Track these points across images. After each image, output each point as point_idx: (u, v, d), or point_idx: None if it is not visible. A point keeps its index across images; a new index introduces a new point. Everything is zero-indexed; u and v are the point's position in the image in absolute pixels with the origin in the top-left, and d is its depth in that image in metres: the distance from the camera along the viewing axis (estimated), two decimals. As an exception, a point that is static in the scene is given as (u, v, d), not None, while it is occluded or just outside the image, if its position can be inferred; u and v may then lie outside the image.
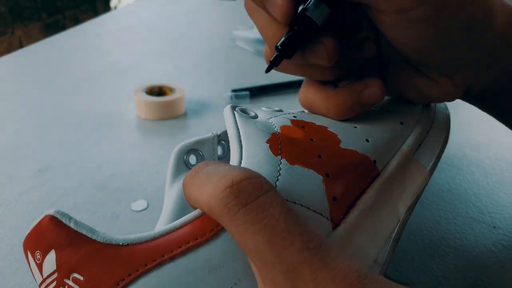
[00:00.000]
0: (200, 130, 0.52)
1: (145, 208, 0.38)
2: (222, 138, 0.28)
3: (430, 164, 0.26)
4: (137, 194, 0.40)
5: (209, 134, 0.27)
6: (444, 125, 0.29)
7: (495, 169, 0.44)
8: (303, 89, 0.28)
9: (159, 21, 0.97)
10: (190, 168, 0.28)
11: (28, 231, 0.20)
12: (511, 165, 0.45)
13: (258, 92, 0.61)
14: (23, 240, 0.21)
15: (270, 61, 0.24)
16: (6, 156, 0.46)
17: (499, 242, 0.35)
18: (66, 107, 0.58)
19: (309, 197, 0.21)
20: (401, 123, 0.27)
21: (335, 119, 0.26)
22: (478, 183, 0.42)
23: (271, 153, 0.22)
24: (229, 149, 0.29)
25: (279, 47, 0.23)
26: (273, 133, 0.23)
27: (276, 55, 0.24)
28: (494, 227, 0.37)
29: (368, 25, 0.27)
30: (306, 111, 0.28)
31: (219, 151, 0.28)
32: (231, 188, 0.17)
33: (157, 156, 0.46)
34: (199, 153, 0.27)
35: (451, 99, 0.28)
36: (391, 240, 0.23)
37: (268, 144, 0.23)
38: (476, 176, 0.43)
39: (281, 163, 0.22)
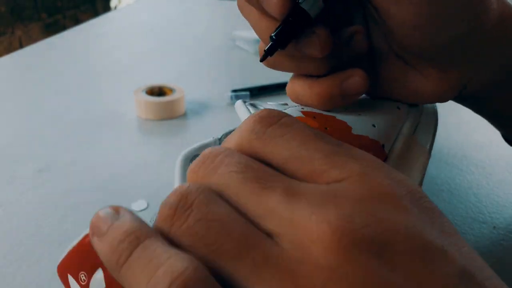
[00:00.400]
0: (200, 130, 0.52)
1: (145, 208, 0.38)
2: (223, 141, 0.28)
3: (429, 144, 0.27)
4: (137, 194, 0.40)
5: (210, 139, 0.28)
6: (432, 107, 0.30)
7: (495, 169, 0.44)
8: (290, 82, 0.28)
9: (159, 21, 0.97)
10: None
11: (65, 255, 0.20)
12: (511, 165, 0.45)
13: (259, 92, 0.61)
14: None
15: (265, 50, 0.24)
16: (6, 156, 0.46)
17: (499, 242, 0.35)
18: (66, 107, 0.58)
19: None
20: (398, 107, 0.28)
21: (321, 110, 0.27)
22: (478, 183, 0.42)
23: None
24: None
25: (274, 37, 0.24)
26: None
27: (271, 45, 0.24)
28: (494, 227, 0.37)
29: (359, 20, 0.27)
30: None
31: None
32: (255, 118, 0.18)
33: (157, 156, 0.47)
34: None
35: (444, 97, 0.28)
36: None
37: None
38: (476, 176, 0.43)
39: None
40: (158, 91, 0.57)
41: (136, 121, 0.54)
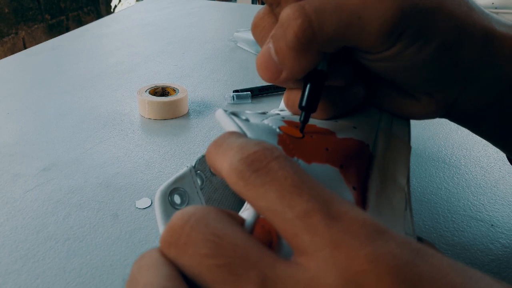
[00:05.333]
0: (202, 129, 0.53)
1: (149, 206, 0.39)
2: (197, 168, 0.28)
3: (406, 136, 0.28)
4: (141, 192, 0.41)
5: (185, 168, 0.27)
6: None
7: (493, 168, 0.45)
8: (287, 92, 0.29)
9: (161, 23, 0.98)
10: (177, 209, 0.26)
11: None
12: (509, 164, 0.45)
13: (259, 92, 0.61)
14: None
15: (301, 121, 0.25)
16: (11, 155, 0.47)
17: (497, 240, 0.35)
18: (70, 107, 0.58)
19: (336, 192, 0.21)
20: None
21: (318, 118, 0.27)
22: (476, 182, 0.43)
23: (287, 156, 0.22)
24: (207, 178, 0.28)
25: (304, 106, 0.25)
26: (279, 134, 0.23)
27: (304, 114, 0.25)
28: (492, 225, 0.37)
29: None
30: (281, 112, 0.29)
31: (199, 182, 0.28)
32: (246, 159, 0.18)
33: (161, 155, 0.47)
34: (181, 190, 0.26)
35: (433, 116, 0.29)
36: (407, 211, 0.23)
37: (281, 147, 0.22)
38: (474, 174, 0.44)
39: (299, 164, 0.22)
40: (161, 91, 0.58)
41: (140, 120, 0.55)
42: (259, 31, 0.27)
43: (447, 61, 0.25)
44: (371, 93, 0.29)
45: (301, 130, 0.25)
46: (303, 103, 0.25)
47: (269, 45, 0.24)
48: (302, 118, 0.25)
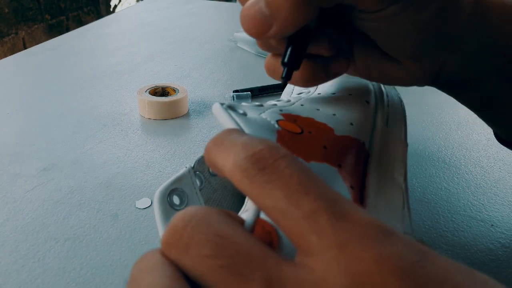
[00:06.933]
0: (202, 129, 0.53)
1: (149, 206, 0.39)
2: (196, 169, 0.28)
3: (402, 134, 0.28)
4: (141, 192, 0.41)
5: (184, 169, 0.27)
6: (396, 95, 0.31)
7: (493, 168, 0.45)
8: (268, 58, 0.28)
9: (161, 23, 0.98)
10: (176, 210, 0.26)
11: None
12: (509, 164, 0.45)
13: (259, 92, 0.61)
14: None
15: (283, 77, 0.24)
16: (11, 155, 0.47)
17: (496, 240, 0.35)
18: (70, 107, 0.58)
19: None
20: (367, 101, 0.29)
21: (299, 86, 0.27)
22: (476, 182, 0.43)
23: None
24: (206, 179, 0.28)
25: (286, 61, 0.24)
26: (277, 131, 0.23)
27: (287, 70, 0.24)
28: (492, 225, 0.37)
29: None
30: (278, 103, 0.29)
31: (198, 182, 0.28)
32: (251, 157, 0.18)
33: (161, 155, 0.47)
34: (180, 191, 0.26)
35: (420, 83, 0.29)
36: (405, 209, 0.23)
37: (279, 144, 0.22)
38: (474, 175, 0.44)
39: None
40: (161, 92, 0.58)
41: (140, 120, 0.55)
42: None
43: (438, 26, 0.25)
44: (358, 58, 0.29)
45: (283, 87, 0.25)
46: (286, 59, 0.24)
47: None
48: (284, 75, 0.24)
